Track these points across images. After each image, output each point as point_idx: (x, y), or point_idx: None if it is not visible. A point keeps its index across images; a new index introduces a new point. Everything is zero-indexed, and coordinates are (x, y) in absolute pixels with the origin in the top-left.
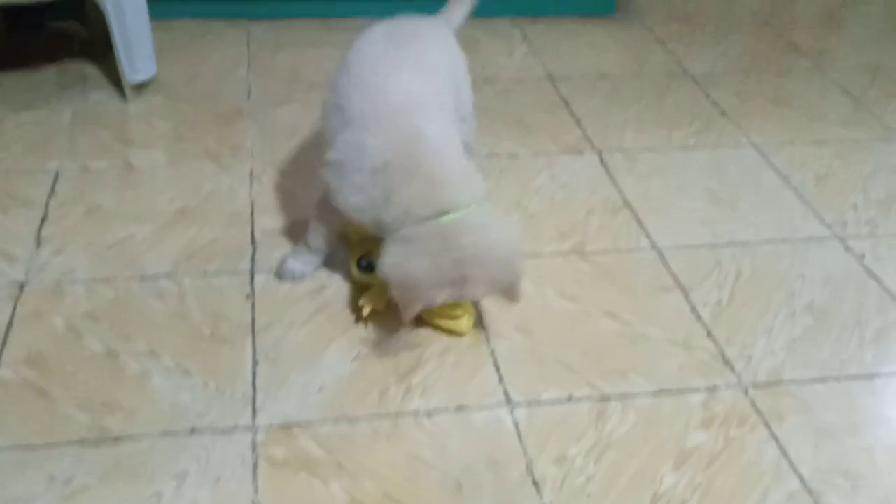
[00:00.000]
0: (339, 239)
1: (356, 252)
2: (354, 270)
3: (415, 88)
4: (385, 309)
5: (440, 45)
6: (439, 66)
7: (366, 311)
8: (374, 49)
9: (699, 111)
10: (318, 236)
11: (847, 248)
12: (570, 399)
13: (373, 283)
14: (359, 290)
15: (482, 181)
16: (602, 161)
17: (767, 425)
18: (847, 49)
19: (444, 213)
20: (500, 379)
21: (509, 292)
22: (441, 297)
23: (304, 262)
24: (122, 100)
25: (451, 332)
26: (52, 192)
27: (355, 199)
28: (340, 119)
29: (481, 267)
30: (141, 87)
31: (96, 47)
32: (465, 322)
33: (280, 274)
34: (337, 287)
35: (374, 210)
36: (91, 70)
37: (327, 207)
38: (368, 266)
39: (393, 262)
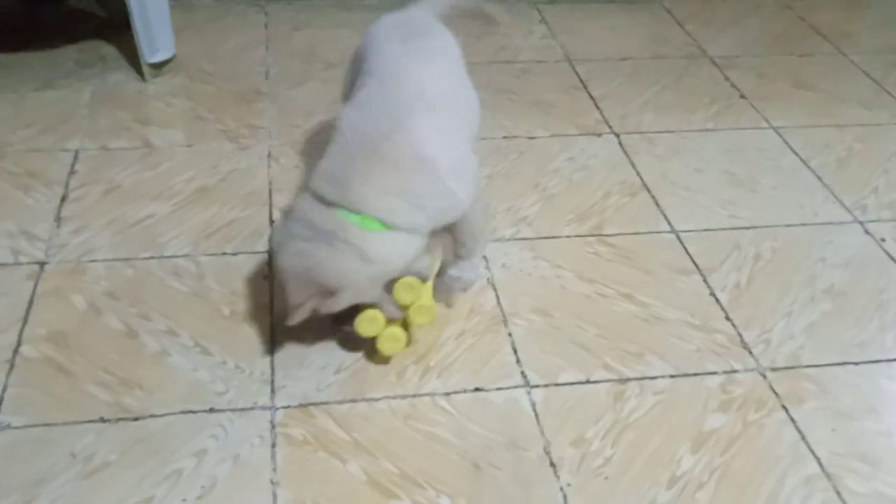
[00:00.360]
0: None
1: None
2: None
3: (434, 90)
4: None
5: (447, 39)
6: (454, 60)
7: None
8: (393, 42)
9: (718, 93)
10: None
11: (867, 232)
12: (587, 381)
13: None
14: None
15: (421, 214)
16: (620, 143)
17: (786, 409)
18: (869, 32)
19: (339, 205)
20: (518, 360)
21: (287, 306)
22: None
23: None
24: (141, 80)
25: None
26: (71, 171)
27: None
28: (350, 98)
29: (294, 264)
30: (159, 67)
31: (115, 27)
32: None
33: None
34: None
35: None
36: (110, 50)
37: None
38: None
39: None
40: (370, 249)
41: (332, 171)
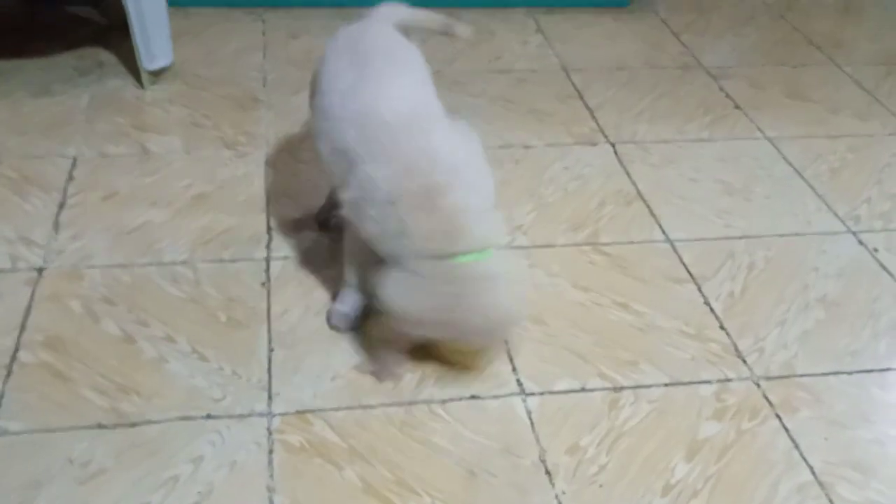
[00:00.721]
0: None
1: None
2: None
3: (410, 100)
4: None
5: (404, 47)
6: (417, 67)
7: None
8: (345, 74)
9: (713, 103)
10: (354, 274)
11: (860, 242)
12: (582, 389)
13: None
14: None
15: (501, 220)
16: (615, 152)
17: (779, 417)
18: (862, 42)
19: (459, 253)
20: (514, 368)
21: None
22: (434, 334)
23: (349, 305)
24: (139, 86)
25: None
26: (69, 177)
27: (373, 230)
28: (345, 159)
29: (478, 319)
30: (157, 74)
31: (113, 33)
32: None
33: (329, 321)
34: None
35: (389, 241)
36: (108, 56)
37: (353, 244)
38: None
39: (395, 291)
40: (512, 272)
41: (433, 228)
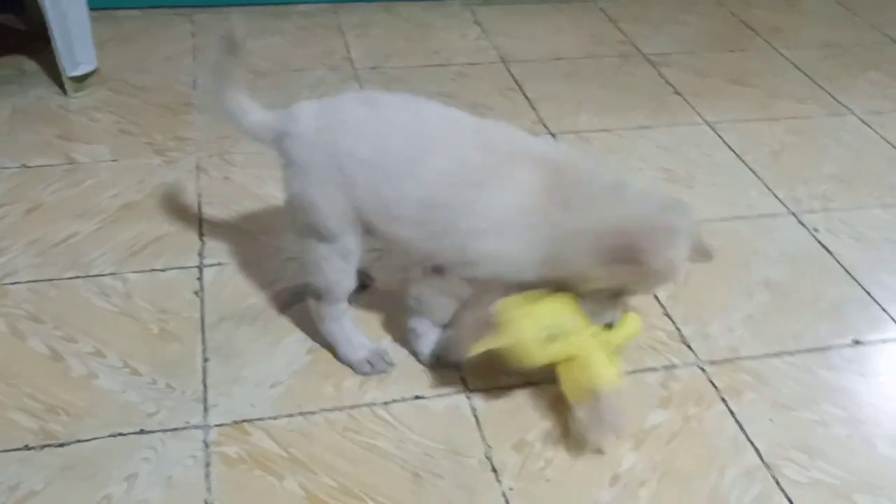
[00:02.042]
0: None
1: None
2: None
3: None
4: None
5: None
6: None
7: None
8: (398, 131)
9: (654, 91)
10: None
11: (801, 223)
12: (527, 383)
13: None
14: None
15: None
16: (557, 143)
17: (725, 401)
18: (801, 27)
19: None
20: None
21: (700, 248)
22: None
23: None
24: (63, 94)
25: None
26: None
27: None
28: (440, 215)
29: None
30: (82, 81)
31: (36, 41)
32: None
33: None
34: (288, 281)
35: (559, 253)
36: (30, 64)
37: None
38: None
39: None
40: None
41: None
